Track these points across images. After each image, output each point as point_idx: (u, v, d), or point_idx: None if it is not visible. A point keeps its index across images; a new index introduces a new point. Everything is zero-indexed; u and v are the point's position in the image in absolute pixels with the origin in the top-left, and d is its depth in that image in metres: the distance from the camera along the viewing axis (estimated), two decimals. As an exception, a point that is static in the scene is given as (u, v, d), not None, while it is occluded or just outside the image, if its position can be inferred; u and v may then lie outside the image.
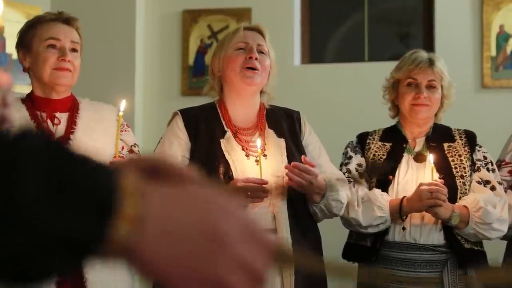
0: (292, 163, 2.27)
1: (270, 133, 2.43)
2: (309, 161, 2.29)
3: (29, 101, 2.31)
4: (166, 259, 0.59)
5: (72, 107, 2.34)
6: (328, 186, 2.36)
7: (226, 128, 2.41)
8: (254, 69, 2.37)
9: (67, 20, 2.34)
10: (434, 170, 2.50)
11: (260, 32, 2.47)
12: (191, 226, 0.60)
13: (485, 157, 2.66)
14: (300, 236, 2.33)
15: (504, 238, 2.74)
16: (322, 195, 2.35)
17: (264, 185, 2.25)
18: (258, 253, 0.63)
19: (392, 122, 2.80)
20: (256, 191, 2.24)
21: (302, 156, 2.31)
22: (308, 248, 2.36)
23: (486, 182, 2.60)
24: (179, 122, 2.43)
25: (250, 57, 2.38)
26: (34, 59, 2.28)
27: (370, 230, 2.56)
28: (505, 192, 2.67)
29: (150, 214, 0.59)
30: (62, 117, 2.31)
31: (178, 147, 2.39)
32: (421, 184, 2.48)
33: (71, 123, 2.30)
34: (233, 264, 0.61)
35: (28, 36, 2.31)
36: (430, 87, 2.65)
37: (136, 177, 0.60)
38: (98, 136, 2.29)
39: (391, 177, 2.61)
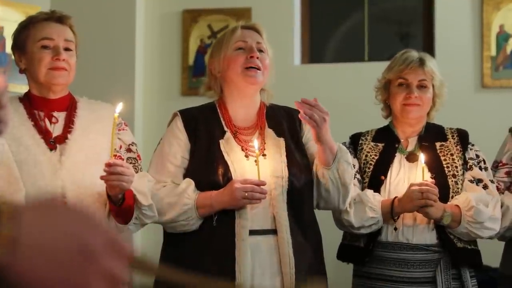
0: (301, 98, 2.28)
1: (269, 132, 2.43)
2: (317, 102, 2.28)
3: (27, 100, 2.30)
4: (39, 275, 0.64)
5: (69, 106, 2.33)
6: (338, 148, 2.36)
7: (225, 129, 2.41)
8: (256, 68, 2.38)
9: (60, 19, 2.31)
10: (426, 170, 2.50)
11: (257, 30, 2.47)
12: (60, 241, 0.65)
13: (477, 156, 2.65)
14: (300, 237, 2.34)
15: (502, 239, 2.74)
16: (334, 157, 2.34)
17: (262, 186, 2.25)
18: (121, 263, 0.68)
19: (384, 124, 2.80)
20: (254, 192, 2.24)
21: (314, 98, 2.30)
22: (308, 249, 2.36)
23: (478, 181, 2.59)
24: (178, 123, 2.43)
25: (252, 57, 2.38)
26: (29, 60, 2.27)
27: (363, 231, 2.55)
28: (503, 193, 2.66)
29: (22, 233, 0.64)
30: (60, 116, 2.30)
31: (177, 148, 2.39)
32: (412, 185, 2.48)
33: (69, 122, 2.29)
34: (99, 276, 0.66)
35: (22, 37, 2.29)
36: (421, 86, 2.64)
37: (9, 199, 0.65)
38: (95, 135, 2.28)
39: (383, 177, 2.61)
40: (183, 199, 2.30)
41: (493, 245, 2.84)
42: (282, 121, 2.49)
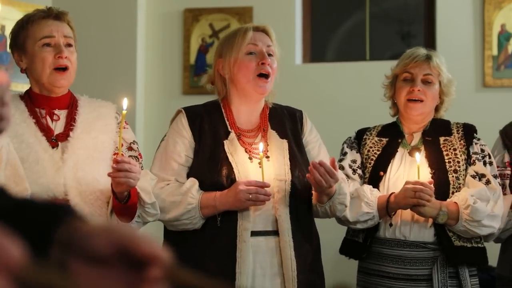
0: (319, 161, 2.26)
1: (272, 134, 2.43)
2: (335, 164, 2.27)
3: (28, 97, 2.30)
4: None
5: (70, 104, 2.33)
6: (337, 190, 2.35)
7: (230, 129, 2.41)
8: (266, 75, 2.37)
9: (57, 16, 2.30)
10: (423, 168, 2.49)
11: (267, 33, 2.46)
12: None
13: (482, 150, 2.62)
14: (301, 238, 2.34)
15: (498, 241, 2.72)
16: (329, 197, 2.35)
17: (266, 188, 2.25)
18: (2, 274, 0.60)
19: (392, 120, 2.80)
20: (258, 194, 2.24)
21: (332, 158, 2.30)
22: (309, 250, 2.36)
23: (481, 176, 2.56)
24: (183, 120, 2.42)
25: (263, 63, 2.37)
26: (30, 60, 2.25)
27: (359, 226, 2.56)
28: None
29: None
30: (61, 114, 2.30)
31: (182, 146, 2.39)
32: (407, 182, 2.47)
33: (70, 120, 2.29)
34: None
35: (21, 37, 2.27)
36: (426, 81, 2.63)
37: None
38: (96, 133, 2.28)
39: (381, 173, 2.61)
40: (188, 198, 2.30)
41: (494, 244, 2.84)
42: (285, 121, 2.49)
